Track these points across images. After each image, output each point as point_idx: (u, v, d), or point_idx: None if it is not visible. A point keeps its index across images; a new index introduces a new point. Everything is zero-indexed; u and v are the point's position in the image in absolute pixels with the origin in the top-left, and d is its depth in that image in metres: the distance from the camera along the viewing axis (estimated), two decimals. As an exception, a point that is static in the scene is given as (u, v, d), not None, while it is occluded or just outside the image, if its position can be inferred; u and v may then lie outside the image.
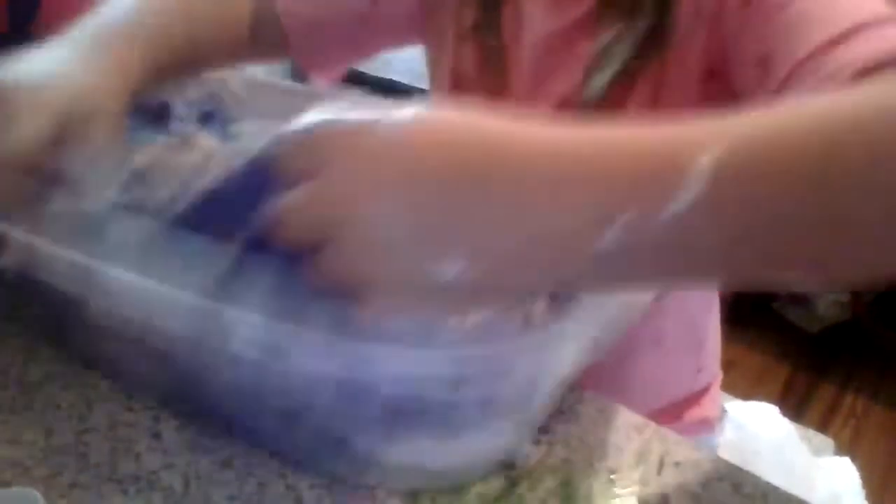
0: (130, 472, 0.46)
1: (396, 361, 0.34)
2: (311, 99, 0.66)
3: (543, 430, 0.49)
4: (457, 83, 0.68)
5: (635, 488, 0.46)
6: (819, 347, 1.73)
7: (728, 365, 0.82)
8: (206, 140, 0.60)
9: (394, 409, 0.37)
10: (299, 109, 0.66)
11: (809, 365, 1.71)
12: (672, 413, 0.76)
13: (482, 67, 0.66)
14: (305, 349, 0.35)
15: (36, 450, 0.47)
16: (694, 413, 0.77)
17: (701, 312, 0.75)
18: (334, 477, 0.45)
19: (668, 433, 0.50)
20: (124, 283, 0.39)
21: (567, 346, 0.36)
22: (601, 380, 0.59)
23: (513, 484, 0.46)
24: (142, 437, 0.48)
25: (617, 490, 0.46)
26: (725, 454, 0.53)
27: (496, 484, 0.46)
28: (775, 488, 0.46)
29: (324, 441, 0.41)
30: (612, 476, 0.47)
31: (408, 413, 0.37)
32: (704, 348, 0.77)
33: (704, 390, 0.78)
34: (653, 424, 0.50)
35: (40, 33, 0.73)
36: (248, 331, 0.36)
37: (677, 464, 0.48)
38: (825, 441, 0.91)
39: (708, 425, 0.79)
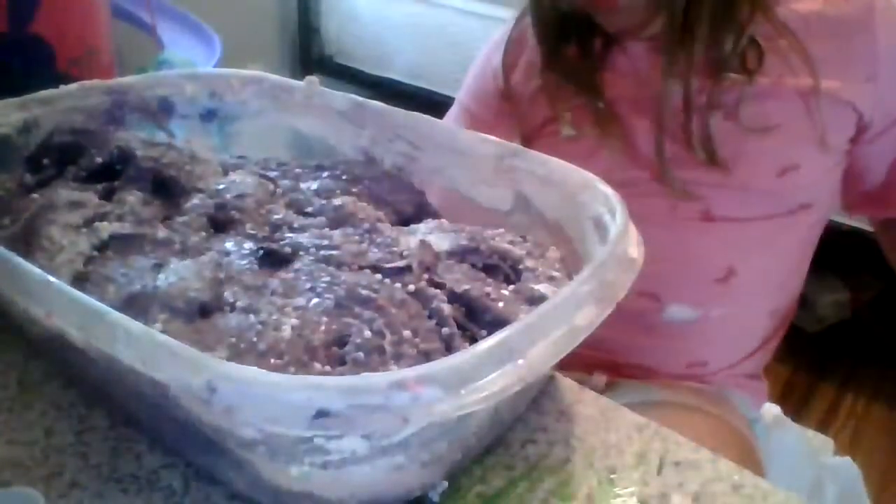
0: (130, 472, 0.46)
1: (254, 385, 0.33)
2: (309, 97, 0.66)
3: (543, 429, 0.50)
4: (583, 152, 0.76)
5: (635, 488, 0.46)
6: (819, 347, 1.73)
7: (728, 365, 0.82)
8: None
9: (266, 433, 0.36)
10: (298, 107, 0.66)
11: (809, 365, 1.71)
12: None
13: (598, 128, 0.75)
14: (172, 361, 0.35)
15: (36, 450, 0.47)
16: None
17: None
18: (234, 494, 0.44)
19: (668, 433, 0.50)
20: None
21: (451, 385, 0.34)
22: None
23: (513, 484, 0.46)
24: (142, 437, 0.48)
25: (617, 490, 0.46)
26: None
27: (496, 484, 0.46)
28: (775, 488, 0.46)
29: (220, 456, 0.40)
30: (612, 476, 0.47)
31: (280, 438, 0.36)
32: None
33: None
34: (653, 424, 0.50)
35: (40, 33, 0.73)
36: (125, 337, 0.36)
37: (677, 464, 0.48)
38: (825, 441, 0.91)
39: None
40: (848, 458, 0.82)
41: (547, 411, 0.51)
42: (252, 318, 0.43)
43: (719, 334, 0.79)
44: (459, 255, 0.51)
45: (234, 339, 0.42)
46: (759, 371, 0.85)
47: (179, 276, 0.46)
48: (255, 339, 0.42)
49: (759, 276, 0.77)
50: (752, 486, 0.46)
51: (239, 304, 0.45)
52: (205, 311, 0.45)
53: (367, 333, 0.42)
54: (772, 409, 0.83)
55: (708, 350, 0.80)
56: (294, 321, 0.43)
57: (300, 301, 0.45)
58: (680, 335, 0.78)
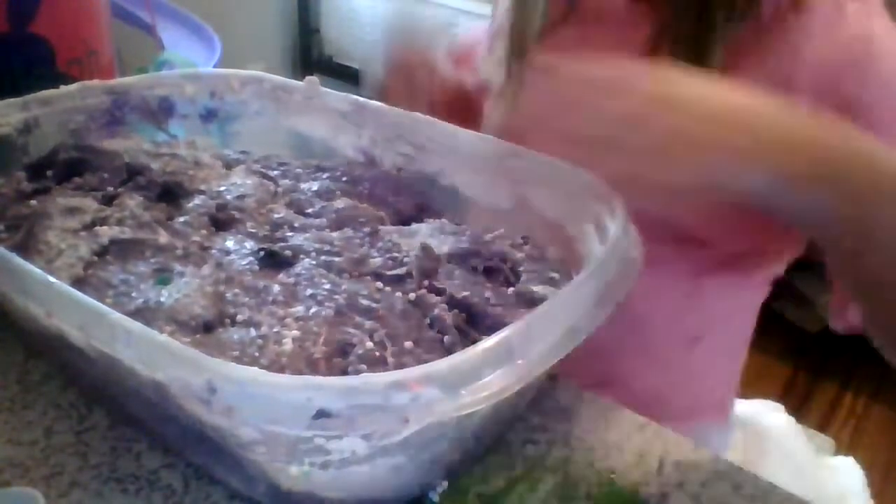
0: (130, 472, 0.46)
1: (254, 385, 0.34)
2: (309, 97, 0.66)
3: (543, 429, 0.50)
4: None
5: (635, 488, 0.46)
6: (819, 347, 1.73)
7: (728, 364, 0.82)
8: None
9: (266, 433, 0.36)
10: (298, 107, 0.66)
11: (809, 365, 1.71)
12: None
13: None
14: (172, 361, 0.35)
15: (36, 450, 0.47)
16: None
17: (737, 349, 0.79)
18: (234, 494, 0.45)
19: (668, 433, 0.50)
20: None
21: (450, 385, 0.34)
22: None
23: (513, 484, 0.46)
24: (141, 437, 0.48)
25: (617, 490, 0.46)
26: (730, 454, 0.52)
27: (496, 484, 0.46)
28: (775, 488, 0.46)
29: (220, 455, 0.40)
30: (612, 476, 0.47)
31: (280, 438, 0.36)
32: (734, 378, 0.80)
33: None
34: (653, 424, 0.50)
35: (40, 33, 0.73)
36: (125, 337, 0.36)
37: (677, 464, 0.48)
38: (825, 441, 0.91)
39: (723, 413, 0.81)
40: (849, 458, 0.83)
41: (547, 411, 0.51)
42: (253, 331, 0.43)
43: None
44: (460, 258, 0.51)
45: (236, 353, 0.42)
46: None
47: (183, 293, 0.46)
48: (256, 354, 0.42)
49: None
50: (752, 486, 0.46)
51: (240, 317, 0.45)
52: (208, 326, 0.45)
53: (369, 344, 0.42)
54: (776, 409, 0.83)
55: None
56: (295, 333, 0.43)
57: (300, 309, 0.45)
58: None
